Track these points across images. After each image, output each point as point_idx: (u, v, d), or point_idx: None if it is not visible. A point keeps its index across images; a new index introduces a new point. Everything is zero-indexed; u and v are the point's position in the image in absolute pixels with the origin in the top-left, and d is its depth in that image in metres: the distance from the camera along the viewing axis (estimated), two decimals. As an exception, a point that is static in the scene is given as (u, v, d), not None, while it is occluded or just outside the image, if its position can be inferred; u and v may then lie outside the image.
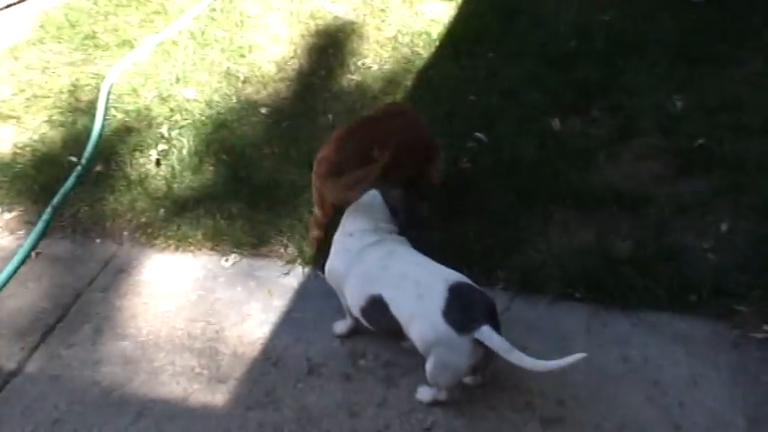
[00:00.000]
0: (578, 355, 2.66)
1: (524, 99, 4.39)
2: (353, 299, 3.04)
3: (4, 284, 3.65)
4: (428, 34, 5.07)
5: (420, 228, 3.25)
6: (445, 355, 2.76)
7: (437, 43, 4.99)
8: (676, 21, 4.96)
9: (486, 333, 2.67)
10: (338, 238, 3.15)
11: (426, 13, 5.34)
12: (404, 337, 2.90)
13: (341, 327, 3.28)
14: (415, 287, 2.82)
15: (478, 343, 2.70)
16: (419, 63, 4.82)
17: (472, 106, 4.39)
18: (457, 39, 5.01)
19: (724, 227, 3.56)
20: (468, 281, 2.88)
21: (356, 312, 3.06)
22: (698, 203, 3.68)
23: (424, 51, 4.93)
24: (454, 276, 2.86)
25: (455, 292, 2.77)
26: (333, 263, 3.14)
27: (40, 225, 3.91)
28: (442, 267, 2.93)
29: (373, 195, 3.11)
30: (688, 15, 5.01)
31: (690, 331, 3.17)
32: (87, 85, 4.95)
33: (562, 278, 3.36)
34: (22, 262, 3.77)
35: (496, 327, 2.73)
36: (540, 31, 4.98)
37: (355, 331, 3.24)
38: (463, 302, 2.74)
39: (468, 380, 2.98)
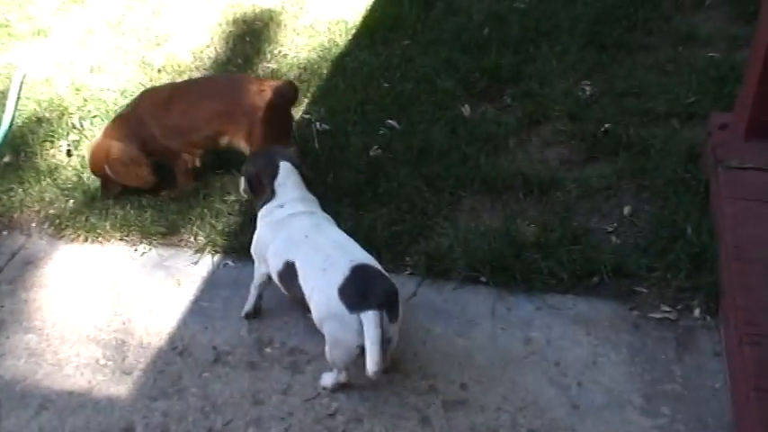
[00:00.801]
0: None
1: (438, 86, 4.44)
2: (274, 263, 3.06)
3: None
4: (345, 22, 5.08)
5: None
6: (336, 332, 2.80)
7: (353, 31, 5.02)
8: (589, 8, 5.05)
9: (368, 318, 2.69)
10: (264, 213, 3.15)
11: (344, 0, 5.34)
12: (308, 308, 2.94)
13: (246, 308, 3.30)
14: (323, 261, 2.87)
15: None
16: (335, 51, 4.84)
17: (385, 93, 4.42)
18: (373, 27, 5.03)
19: (627, 210, 3.64)
20: (377, 265, 2.92)
21: (275, 277, 3.09)
22: (603, 187, 3.76)
23: (341, 39, 4.95)
24: (362, 258, 2.90)
25: (357, 272, 2.81)
26: (259, 232, 3.15)
27: (-55, 218, 3.84)
28: (358, 248, 2.97)
29: (286, 166, 3.13)
30: (601, 3, 5.09)
31: (591, 313, 3.24)
32: (0, 74, 4.86)
33: (468, 263, 3.40)
34: (-75, 256, 3.71)
35: (393, 315, 2.76)
36: (455, 19, 5.03)
37: (262, 321, 3.27)
38: (362, 283, 2.77)
39: (371, 365, 3.02)
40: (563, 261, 3.37)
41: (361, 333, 2.73)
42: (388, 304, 2.75)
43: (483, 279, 3.37)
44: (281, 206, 3.11)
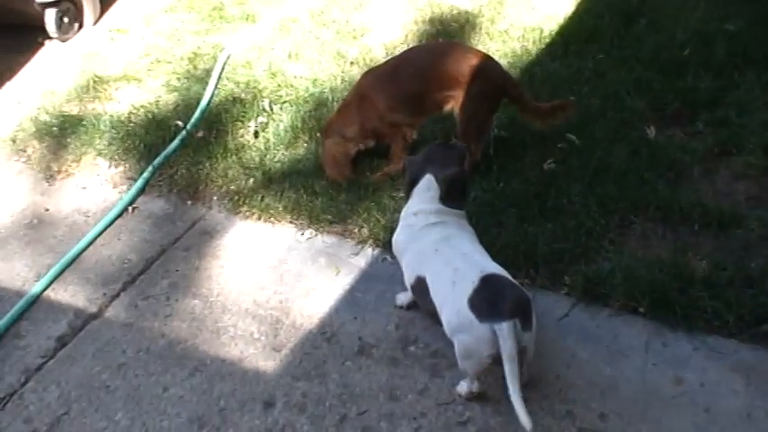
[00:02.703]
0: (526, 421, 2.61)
1: (626, 104, 4.28)
2: (407, 275, 3.15)
3: (100, 234, 3.92)
4: (540, 30, 5.01)
5: (461, 204, 3.22)
6: (466, 342, 2.80)
7: (548, 40, 4.93)
8: (809, 36, 4.70)
9: (503, 330, 2.65)
10: (404, 215, 3.23)
11: (543, 8, 5.29)
12: (441, 321, 2.96)
13: (402, 298, 3.38)
14: (452, 274, 2.88)
15: None
16: (526, 58, 4.78)
17: (570, 107, 4.31)
18: (569, 37, 4.92)
19: (813, 258, 3.37)
20: (506, 274, 2.89)
21: (409, 289, 3.18)
22: (790, 230, 3.49)
23: (534, 47, 4.88)
24: (491, 268, 2.90)
25: (486, 281, 2.79)
26: (397, 236, 3.24)
27: (139, 182, 4.17)
28: (487, 260, 2.97)
29: (428, 179, 3.14)
30: (823, 32, 4.73)
31: (754, 362, 3.02)
32: (207, 54, 5.21)
33: (628, 290, 3.26)
34: (119, 215, 4.03)
35: (527, 323, 2.72)
36: (656, 36, 4.83)
37: (410, 320, 3.30)
38: (491, 293, 2.76)
39: (508, 379, 2.98)
40: (731, 303, 3.15)
41: (492, 343, 2.71)
42: (520, 313, 2.71)
43: (641, 310, 3.22)
44: (415, 214, 3.15)
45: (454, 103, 3.88)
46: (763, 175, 3.78)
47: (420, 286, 3.04)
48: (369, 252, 3.68)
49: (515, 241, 3.49)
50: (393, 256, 3.54)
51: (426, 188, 3.17)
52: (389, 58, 4.10)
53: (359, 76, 4.69)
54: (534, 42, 4.92)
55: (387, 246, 3.64)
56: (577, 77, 4.54)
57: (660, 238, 3.55)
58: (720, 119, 4.16)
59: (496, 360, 2.80)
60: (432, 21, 5.24)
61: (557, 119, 3.94)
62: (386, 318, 3.35)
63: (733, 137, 4.01)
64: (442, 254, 3.00)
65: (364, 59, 4.93)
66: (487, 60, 3.89)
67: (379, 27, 5.27)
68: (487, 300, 2.75)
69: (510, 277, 2.90)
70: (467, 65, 3.82)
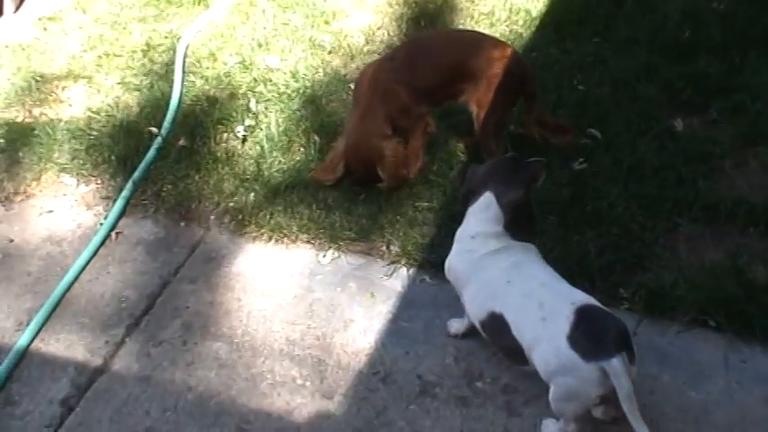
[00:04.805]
0: None
1: (638, 93, 4.05)
2: (473, 310, 2.84)
3: (84, 267, 3.40)
4: (527, 12, 4.70)
5: (528, 236, 2.91)
6: (570, 384, 2.53)
7: (537, 23, 4.64)
8: (798, 12, 4.60)
9: (615, 367, 2.40)
10: (461, 237, 2.90)
11: (526, -12, 4.99)
12: (525, 360, 2.67)
13: (456, 326, 3.07)
14: (539, 309, 2.59)
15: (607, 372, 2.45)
16: (518, 43, 4.46)
17: (581, 97, 4.04)
18: (559, 19, 4.63)
19: None
20: (598, 304, 2.63)
21: (476, 324, 2.85)
22: (839, 226, 3.37)
23: (524, 30, 4.58)
24: (582, 298, 2.62)
25: (582, 315, 2.52)
26: (454, 261, 2.90)
27: (120, 202, 3.65)
28: (570, 287, 2.70)
29: (488, 198, 2.81)
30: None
31: (841, 374, 2.89)
32: (161, 44, 4.66)
33: (696, 302, 3.06)
34: (102, 242, 3.51)
35: (631, 356, 2.47)
36: (649, 17, 4.61)
37: (469, 351, 3.00)
38: (592, 327, 2.50)
39: (598, 413, 2.73)
40: (804, 311, 3.02)
41: (600, 383, 2.46)
42: (625, 345, 2.47)
43: (712, 323, 3.02)
44: (473, 237, 2.83)
45: (467, 96, 3.61)
46: (795, 165, 3.67)
47: (494, 323, 2.72)
48: (403, 272, 3.32)
49: (564, 254, 3.23)
50: (432, 277, 3.27)
51: (485, 207, 2.82)
52: (396, 47, 3.73)
53: (342, 68, 4.32)
54: (523, 25, 4.61)
55: (424, 265, 3.31)
56: (579, 64, 4.27)
57: (710, 240, 3.36)
58: (735, 105, 3.97)
59: (605, 400, 2.57)
60: (407, 2, 4.85)
61: (553, 137, 3.72)
62: (441, 350, 3.03)
63: (755, 126, 3.85)
64: (516, 285, 2.70)
65: (342, 48, 4.51)
66: (508, 50, 3.62)
67: (351, 10, 4.83)
68: (589, 336, 2.48)
69: (602, 306, 2.64)
70: (485, 56, 3.55)
